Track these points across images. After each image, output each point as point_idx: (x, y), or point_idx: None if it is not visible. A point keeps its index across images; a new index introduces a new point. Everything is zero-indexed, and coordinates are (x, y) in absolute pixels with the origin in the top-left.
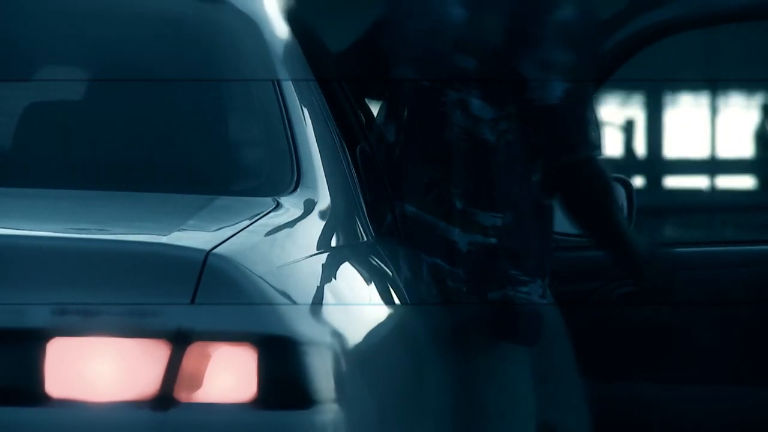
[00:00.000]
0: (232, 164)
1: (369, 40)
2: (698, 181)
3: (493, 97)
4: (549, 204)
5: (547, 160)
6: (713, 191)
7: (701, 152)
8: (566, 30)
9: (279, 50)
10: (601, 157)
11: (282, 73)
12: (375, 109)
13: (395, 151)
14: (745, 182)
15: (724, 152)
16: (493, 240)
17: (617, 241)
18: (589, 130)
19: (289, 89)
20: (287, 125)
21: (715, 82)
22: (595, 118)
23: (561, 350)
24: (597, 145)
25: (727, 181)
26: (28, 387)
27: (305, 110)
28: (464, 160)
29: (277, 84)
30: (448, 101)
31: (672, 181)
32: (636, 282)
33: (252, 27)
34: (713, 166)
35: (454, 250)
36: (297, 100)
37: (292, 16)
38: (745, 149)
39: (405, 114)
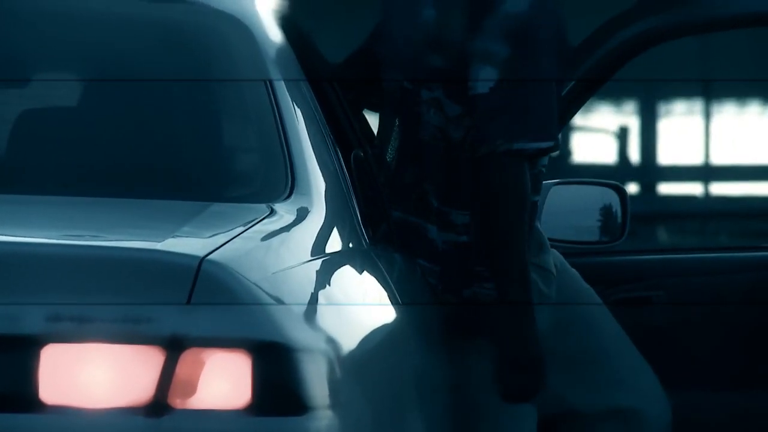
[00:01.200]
0: (226, 171)
1: (366, 49)
2: (692, 188)
3: (456, 94)
4: (534, 201)
5: (469, 150)
6: (707, 198)
7: (695, 159)
8: (510, 22)
9: (272, 55)
10: (524, 152)
11: (276, 78)
12: (372, 119)
13: (387, 154)
14: (739, 189)
15: (718, 159)
16: (464, 238)
17: (495, 246)
18: (510, 124)
19: (283, 95)
20: (281, 131)
21: (708, 90)
22: (542, 113)
23: (610, 332)
24: (516, 140)
25: (720, 188)
26: (22, 393)
27: (299, 116)
28: (438, 159)
29: (271, 90)
30: (423, 101)
31: (665, 188)
32: (498, 294)
33: (245, 32)
34: (707, 172)
35: (432, 249)
36: (291, 106)
37: (285, 21)
38: (739, 156)
39: (395, 118)
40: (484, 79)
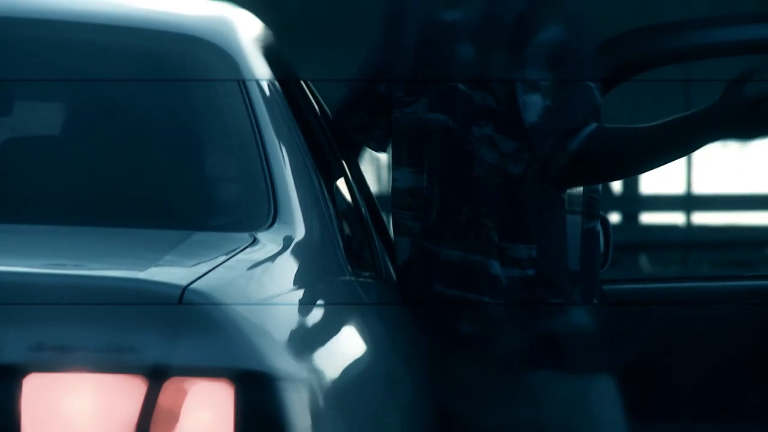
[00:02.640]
0: (208, 199)
1: (366, 90)
2: (674, 218)
3: (510, 129)
4: (592, 226)
5: (531, 181)
6: (689, 227)
7: (677, 188)
8: (549, 49)
9: (256, 86)
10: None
11: (259, 108)
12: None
13: (423, 194)
14: (721, 219)
15: (700, 189)
16: (530, 271)
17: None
18: (557, 150)
19: (266, 123)
20: (264, 160)
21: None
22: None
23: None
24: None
25: (702, 218)
26: (4, 423)
27: (282, 145)
28: (496, 195)
29: (254, 118)
30: (474, 139)
31: (648, 218)
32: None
33: (229, 63)
34: (689, 202)
35: (496, 284)
36: (274, 135)
37: (269, 52)
38: (721, 186)
39: (430, 157)
40: (532, 107)
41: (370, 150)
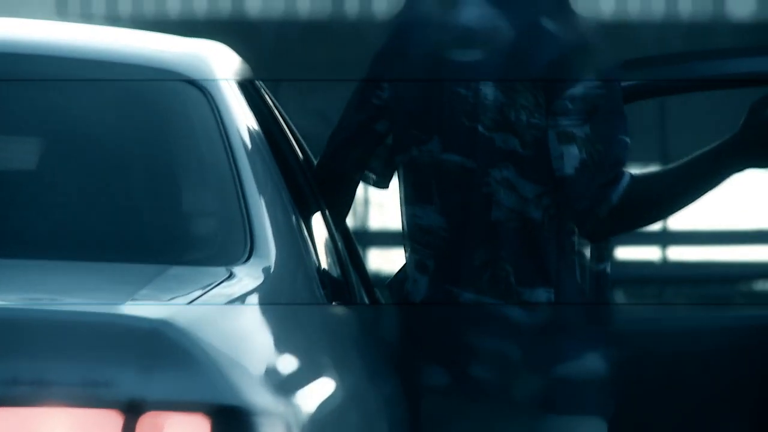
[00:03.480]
0: (185, 233)
1: (364, 128)
2: (649, 253)
3: (534, 173)
4: (602, 269)
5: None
6: (664, 263)
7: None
8: (581, 101)
9: (232, 119)
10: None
11: (236, 142)
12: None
13: (441, 234)
14: (696, 254)
15: (675, 225)
16: (548, 315)
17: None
18: (604, 188)
19: (243, 159)
20: (240, 194)
21: (665, 155)
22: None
23: None
24: (612, 197)
25: (678, 253)
26: None
27: (259, 179)
28: (514, 239)
29: (230, 152)
30: (493, 181)
31: (623, 253)
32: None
33: (205, 96)
34: (664, 237)
35: (514, 328)
36: (250, 169)
37: (245, 85)
38: (696, 222)
39: (446, 197)
40: (569, 159)
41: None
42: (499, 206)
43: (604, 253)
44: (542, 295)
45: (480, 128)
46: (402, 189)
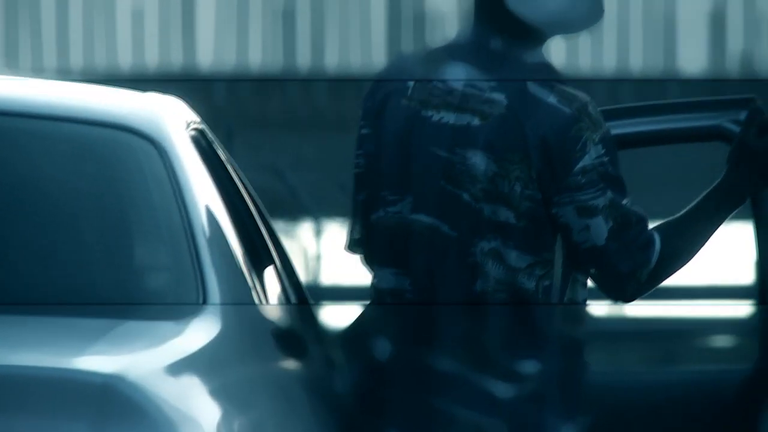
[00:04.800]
0: (137, 288)
1: (354, 201)
2: (601, 308)
3: (527, 243)
4: (581, 341)
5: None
6: (618, 319)
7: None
8: (593, 173)
9: (184, 173)
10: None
11: (189, 196)
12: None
13: (406, 297)
14: (649, 311)
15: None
16: (534, 387)
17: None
18: (638, 252)
19: (194, 211)
20: (192, 248)
21: None
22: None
23: None
24: (649, 261)
25: (630, 310)
26: None
27: (210, 232)
28: (501, 310)
29: (183, 206)
30: (479, 252)
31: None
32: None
33: (157, 150)
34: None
35: (497, 403)
36: (202, 222)
37: (197, 139)
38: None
39: (415, 260)
40: (597, 230)
41: (301, 241)
42: (485, 277)
43: (583, 318)
44: (527, 367)
45: (465, 196)
46: (366, 250)
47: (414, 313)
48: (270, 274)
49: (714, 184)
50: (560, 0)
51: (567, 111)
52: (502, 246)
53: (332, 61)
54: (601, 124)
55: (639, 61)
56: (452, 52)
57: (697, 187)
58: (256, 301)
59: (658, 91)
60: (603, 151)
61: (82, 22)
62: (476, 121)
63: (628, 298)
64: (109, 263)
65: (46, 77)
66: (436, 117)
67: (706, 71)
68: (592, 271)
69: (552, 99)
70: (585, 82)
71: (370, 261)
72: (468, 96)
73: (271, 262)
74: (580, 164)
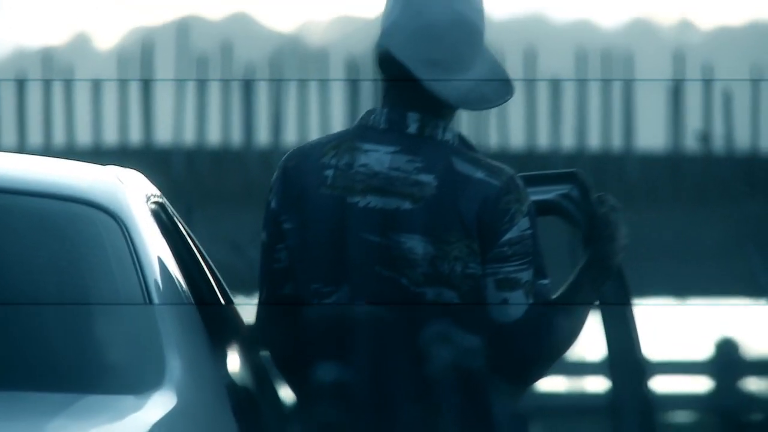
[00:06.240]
0: (98, 363)
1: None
2: (558, 383)
3: (475, 324)
4: (521, 411)
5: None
6: (571, 394)
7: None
8: (517, 245)
9: (144, 246)
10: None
11: (148, 269)
12: None
13: (350, 389)
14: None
15: (583, 353)
16: None
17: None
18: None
19: (154, 284)
20: (152, 321)
21: None
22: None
23: None
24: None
25: (584, 383)
26: None
27: (172, 308)
28: (453, 393)
29: (143, 280)
30: (427, 336)
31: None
32: None
33: (117, 223)
34: (577, 368)
35: None
36: (162, 295)
37: (158, 213)
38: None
39: (358, 350)
40: (516, 306)
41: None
42: (433, 361)
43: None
44: None
45: (404, 281)
46: (297, 346)
47: (360, 405)
48: (232, 346)
49: (580, 265)
50: (471, 80)
51: (497, 183)
52: (451, 328)
53: (291, 135)
54: (527, 196)
55: (596, 139)
56: (365, 135)
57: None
58: (217, 374)
59: (617, 169)
60: (529, 225)
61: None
62: (407, 205)
63: (532, 378)
64: (68, 337)
65: (5, 152)
66: (362, 203)
67: (664, 149)
68: (501, 349)
69: (480, 174)
70: (543, 158)
71: (299, 358)
72: (393, 179)
73: (234, 335)
74: (507, 236)
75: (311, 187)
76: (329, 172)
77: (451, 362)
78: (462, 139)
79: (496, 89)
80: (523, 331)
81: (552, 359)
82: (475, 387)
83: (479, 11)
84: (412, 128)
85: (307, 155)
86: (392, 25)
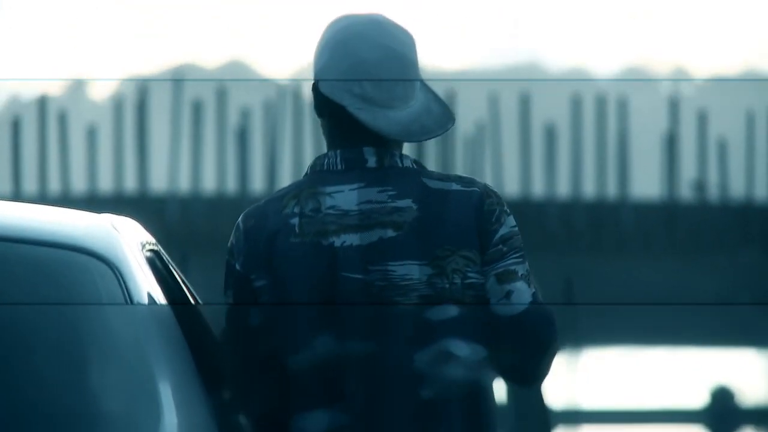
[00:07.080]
0: (93, 412)
1: (253, 287)
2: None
3: (479, 336)
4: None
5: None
6: None
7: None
8: (513, 237)
9: (140, 294)
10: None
11: (147, 328)
12: None
13: (357, 415)
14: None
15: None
16: None
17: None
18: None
19: (150, 333)
20: (148, 371)
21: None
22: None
23: None
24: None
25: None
26: None
27: (166, 354)
28: (456, 412)
29: (139, 328)
30: (424, 358)
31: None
32: None
33: (112, 271)
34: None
35: None
36: (158, 345)
37: (153, 261)
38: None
39: (350, 391)
40: (519, 295)
41: None
42: (432, 383)
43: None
44: None
45: (401, 309)
46: (283, 396)
47: None
48: (227, 396)
49: None
50: (411, 112)
51: (476, 190)
52: (454, 343)
53: (286, 182)
54: (503, 200)
55: (591, 186)
56: (324, 179)
57: None
58: (212, 422)
59: (612, 216)
60: (514, 222)
61: (36, 145)
62: (390, 233)
63: (540, 376)
64: (65, 387)
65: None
66: (338, 242)
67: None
68: (513, 340)
69: (455, 186)
70: (538, 207)
71: (283, 411)
72: (368, 213)
73: (231, 387)
74: (499, 234)
75: (279, 240)
76: (295, 221)
77: (454, 382)
78: (419, 164)
79: (437, 119)
80: (533, 318)
81: (557, 347)
82: (478, 401)
83: (409, 45)
84: (371, 162)
85: (265, 212)
86: (324, 67)
